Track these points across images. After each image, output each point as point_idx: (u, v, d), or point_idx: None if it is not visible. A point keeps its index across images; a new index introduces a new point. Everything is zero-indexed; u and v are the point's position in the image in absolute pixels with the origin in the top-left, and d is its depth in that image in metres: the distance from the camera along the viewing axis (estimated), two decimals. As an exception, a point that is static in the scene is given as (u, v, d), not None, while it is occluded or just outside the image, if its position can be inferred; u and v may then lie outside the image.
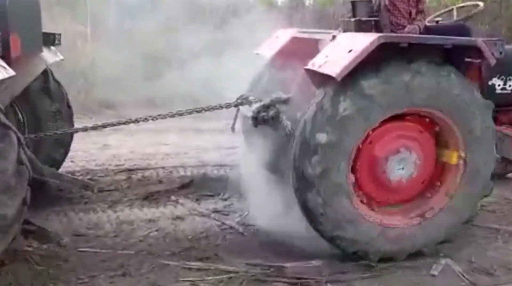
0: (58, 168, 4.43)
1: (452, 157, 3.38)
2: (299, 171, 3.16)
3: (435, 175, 3.47)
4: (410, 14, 3.86)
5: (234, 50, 5.33)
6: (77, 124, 5.17)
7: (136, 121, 4.05)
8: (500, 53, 3.15)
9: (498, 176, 4.95)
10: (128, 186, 4.81)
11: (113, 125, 4.24)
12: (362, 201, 3.34)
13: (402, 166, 3.29)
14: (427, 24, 4.00)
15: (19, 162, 2.66)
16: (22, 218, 2.80)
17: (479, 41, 3.12)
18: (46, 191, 3.87)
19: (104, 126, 4.20)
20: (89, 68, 8.24)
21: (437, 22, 4.24)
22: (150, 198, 4.52)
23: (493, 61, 3.18)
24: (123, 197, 4.50)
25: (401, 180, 3.31)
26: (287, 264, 3.18)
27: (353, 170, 3.26)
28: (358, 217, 3.23)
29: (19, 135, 2.75)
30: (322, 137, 3.03)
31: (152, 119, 4.06)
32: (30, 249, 3.36)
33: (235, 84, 4.36)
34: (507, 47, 3.82)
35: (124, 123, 4.20)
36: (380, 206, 3.42)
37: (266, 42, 4.56)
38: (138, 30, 8.11)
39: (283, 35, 4.30)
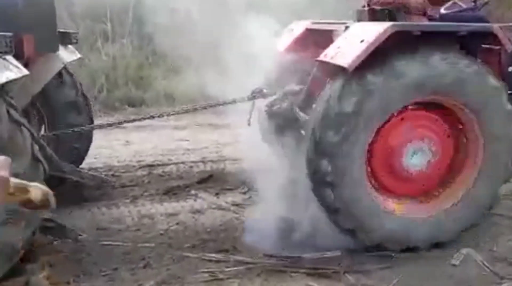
0: (83, 158, 4.54)
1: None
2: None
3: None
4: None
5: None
6: (99, 121, 5.31)
7: (152, 117, 4.16)
8: (517, 39, 3.07)
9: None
10: (149, 181, 4.90)
11: (131, 121, 4.39)
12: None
13: (418, 155, 3.24)
14: (442, 11, 3.91)
15: (33, 158, 2.68)
16: (39, 213, 2.81)
17: (495, 27, 3.04)
18: (69, 187, 3.97)
19: (121, 122, 4.36)
20: (110, 67, 8.37)
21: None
22: (171, 192, 4.59)
23: (509, 47, 3.10)
24: (144, 192, 4.59)
25: (418, 170, 3.27)
26: (305, 255, 3.20)
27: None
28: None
29: (33, 131, 2.78)
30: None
31: (167, 115, 4.22)
32: (55, 243, 3.47)
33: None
34: (526, 32, 3.74)
35: (139, 120, 4.36)
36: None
37: (281, 34, 4.55)
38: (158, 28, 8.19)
39: (297, 27, 4.29)
